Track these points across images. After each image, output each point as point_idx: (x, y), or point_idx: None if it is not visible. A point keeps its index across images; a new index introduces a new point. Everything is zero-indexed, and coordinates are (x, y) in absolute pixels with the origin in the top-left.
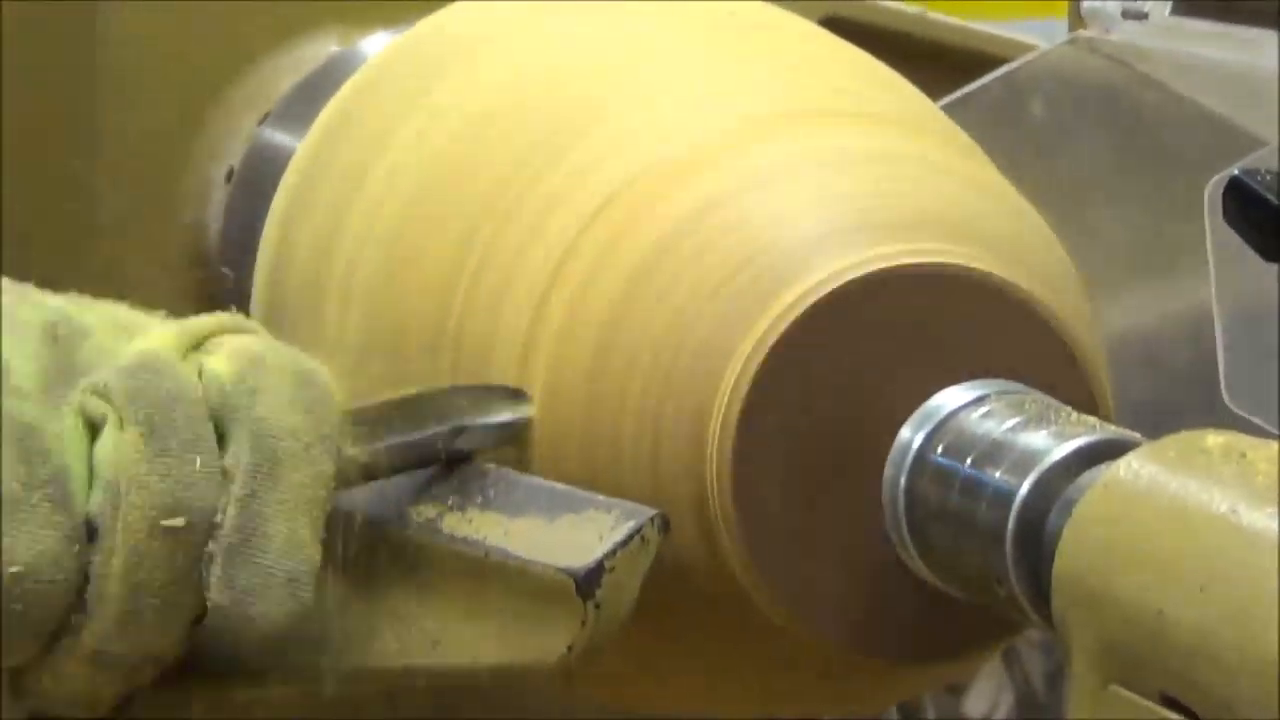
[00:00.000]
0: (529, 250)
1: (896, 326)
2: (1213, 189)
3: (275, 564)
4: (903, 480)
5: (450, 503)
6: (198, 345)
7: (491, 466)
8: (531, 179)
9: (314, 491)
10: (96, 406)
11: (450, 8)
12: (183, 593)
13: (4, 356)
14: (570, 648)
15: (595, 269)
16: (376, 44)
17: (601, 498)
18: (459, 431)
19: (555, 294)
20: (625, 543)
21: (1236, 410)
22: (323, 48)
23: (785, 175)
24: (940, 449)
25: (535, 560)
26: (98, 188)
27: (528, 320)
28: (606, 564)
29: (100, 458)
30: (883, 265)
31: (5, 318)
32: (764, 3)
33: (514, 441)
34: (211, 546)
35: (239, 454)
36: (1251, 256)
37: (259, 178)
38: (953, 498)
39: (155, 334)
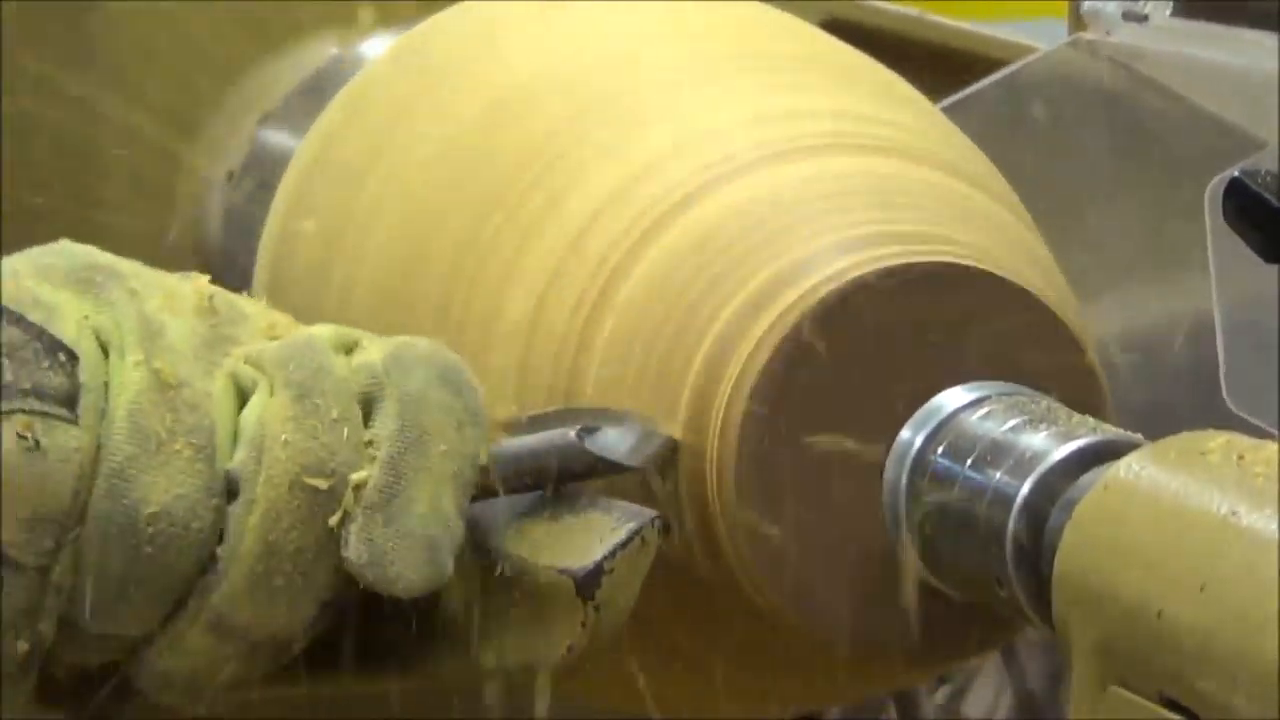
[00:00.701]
0: (528, 253)
1: (897, 327)
2: (1213, 190)
3: (416, 527)
4: (903, 480)
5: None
6: (350, 349)
7: None
8: (531, 183)
9: (460, 467)
10: (248, 373)
11: (450, 10)
12: (316, 563)
13: (157, 317)
14: (570, 648)
15: (599, 278)
16: (376, 46)
17: (602, 499)
18: (589, 431)
19: (553, 300)
20: (625, 544)
21: (1236, 411)
22: (322, 49)
23: (784, 179)
24: (941, 450)
25: (535, 561)
26: (98, 187)
27: (526, 325)
28: (606, 565)
29: (247, 419)
30: (883, 265)
31: (165, 285)
32: (764, 6)
33: (663, 461)
34: (353, 508)
35: (385, 424)
36: (1252, 258)
37: (260, 178)
38: (953, 499)
39: (311, 328)
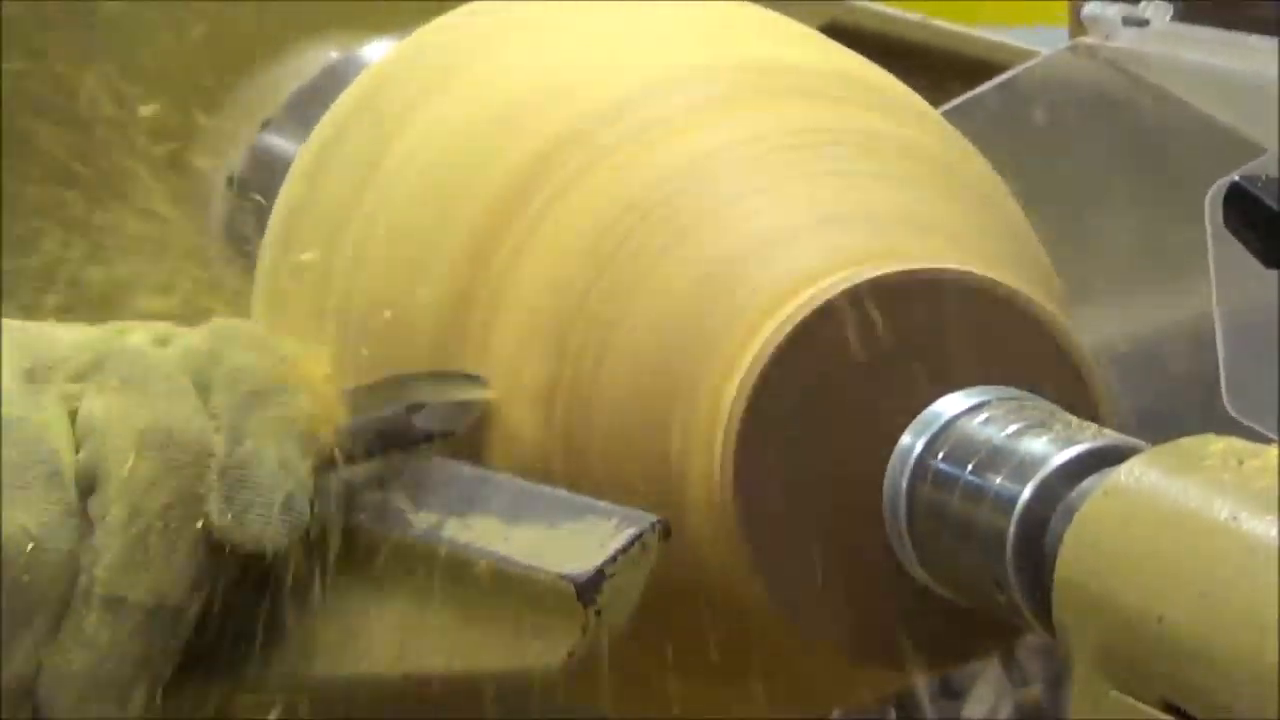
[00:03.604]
0: (524, 258)
1: (896, 333)
2: (1213, 195)
3: (270, 484)
4: (903, 486)
5: (451, 509)
6: (166, 342)
7: (493, 473)
8: (530, 187)
9: (296, 423)
10: (74, 390)
11: (450, 14)
12: (185, 521)
13: None
14: (571, 654)
15: (578, 275)
16: (377, 50)
17: (602, 504)
18: (416, 408)
19: (548, 298)
20: (626, 549)
21: (1237, 416)
22: (323, 54)
23: (771, 183)
24: (941, 455)
25: (536, 567)
26: (97, 191)
27: (520, 325)
28: (607, 571)
29: (81, 421)
30: (877, 274)
31: None
32: (766, 10)
33: (475, 424)
34: (207, 474)
35: (221, 397)
36: (1252, 263)
37: (260, 183)
38: (953, 504)
39: (123, 326)
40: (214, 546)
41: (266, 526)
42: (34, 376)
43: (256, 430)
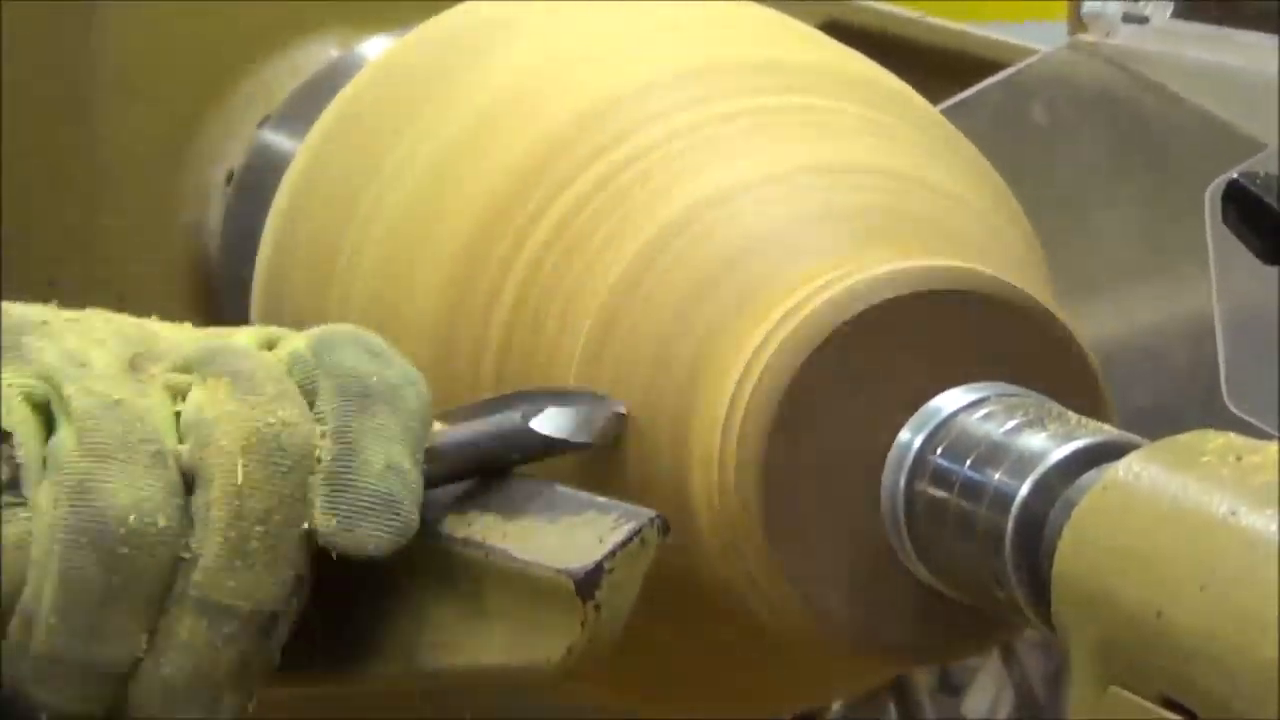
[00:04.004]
0: (522, 254)
1: (896, 329)
2: (1213, 192)
3: (375, 486)
4: (902, 482)
5: (449, 505)
6: (272, 345)
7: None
8: (530, 182)
9: (407, 423)
10: (180, 380)
11: (451, 11)
12: (286, 527)
13: (80, 350)
14: (570, 649)
15: (585, 273)
16: (377, 47)
17: (601, 499)
18: (531, 414)
19: (550, 298)
20: (625, 544)
21: (1237, 412)
22: (323, 51)
23: (771, 181)
24: (940, 450)
25: (535, 562)
26: (98, 188)
27: (521, 324)
28: (606, 565)
29: (187, 414)
30: (880, 269)
31: (77, 322)
32: (762, 7)
33: (606, 439)
34: (312, 479)
35: (327, 401)
36: (1251, 259)
37: (259, 180)
38: (952, 499)
39: (230, 330)
40: (313, 552)
41: (371, 531)
42: (136, 366)
43: (362, 434)
